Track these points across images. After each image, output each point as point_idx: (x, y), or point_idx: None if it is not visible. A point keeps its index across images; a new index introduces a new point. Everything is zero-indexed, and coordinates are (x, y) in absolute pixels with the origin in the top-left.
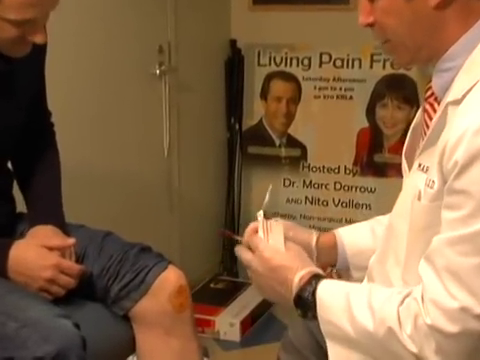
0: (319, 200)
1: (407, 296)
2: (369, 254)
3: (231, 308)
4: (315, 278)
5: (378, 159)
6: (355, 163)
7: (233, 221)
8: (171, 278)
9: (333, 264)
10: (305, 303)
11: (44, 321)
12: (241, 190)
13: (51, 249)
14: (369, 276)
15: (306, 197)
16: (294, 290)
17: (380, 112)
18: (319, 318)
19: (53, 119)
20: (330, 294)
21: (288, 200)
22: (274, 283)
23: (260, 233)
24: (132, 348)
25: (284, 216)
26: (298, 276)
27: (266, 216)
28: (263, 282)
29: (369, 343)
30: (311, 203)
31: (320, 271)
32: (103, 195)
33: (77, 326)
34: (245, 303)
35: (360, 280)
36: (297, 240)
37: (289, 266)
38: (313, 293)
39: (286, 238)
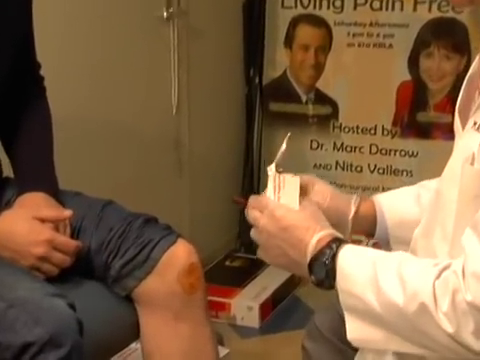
0: (352, 166)
1: (445, 269)
2: (412, 225)
3: (249, 289)
4: (336, 242)
5: (421, 118)
6: (394, 123)
7: (252, 188)
8: (180, 254)
9: (369, 235)
10: (322, 269)
11: (34, 301)
12: (261, 154)
13: (43, 221)
14: (413, 251)
15: (337, 162)
16: (310, 253)
17: (425, 63)
18: (338, 288)
19: (44, 71)
20: (353, 261)
21: (316, 165)
22: (285, 245)
23: (269, 192)
24: (135, 334)
25: None
26: (316, 238)
27: (280, 171)
28: (272, 243)
29: (397, 320)
30: (342, 169)
31: (341, 235)
32: (102, 158)
33: (72, 307)
34: (265, 284)
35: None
36: (331, 208)
37: (305, 226)
38: (333, 258)
39: (304, 195)
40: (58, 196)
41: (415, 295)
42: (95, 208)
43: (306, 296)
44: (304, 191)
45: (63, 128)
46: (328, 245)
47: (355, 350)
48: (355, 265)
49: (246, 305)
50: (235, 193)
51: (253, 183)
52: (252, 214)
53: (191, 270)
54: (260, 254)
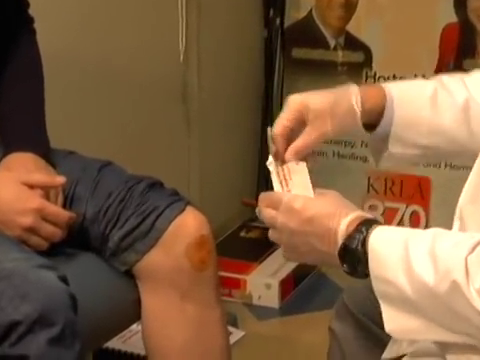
0: None
1: None
2: (420, 128)
3: (268, 264)
4: (366, 224)
5: (469, 66)
6: (437, 71)
7: None
8: (189, 224)
9: (369, 128)
10: (353, 255)
11: (21, 273)
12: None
13: (32, 187)
14: (461, 220)
15: None
16: (340, 240)
17: (473, 2)
18: (371, 274)
19: (32, 8)
20: (385, 243)
21: None
22: (312, 238)
23: (276, 188)
24: (137, 314)
25: (338, 143)
26: (344, 223)
27: (280, 161)
28: (297, 241)
29: (430, 303)
30: None
31: (370, 215)
32: (98, 112)
33: (64, 280)
34: None
35: (400, 157)
36: (336, 129)
37: (330, 213)
38: (364, 242)
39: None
40: (49, 157)
41: (447, 273)
42: (91, 170)
43: (333, 272)
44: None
45: (53, 77)
46: (357, 229)
47: None
48: (386, 247)
49: (264, 282)
50: (252, 155)
51: None
52: (266, 214)
53: (201, 243)
54: (286, 255)
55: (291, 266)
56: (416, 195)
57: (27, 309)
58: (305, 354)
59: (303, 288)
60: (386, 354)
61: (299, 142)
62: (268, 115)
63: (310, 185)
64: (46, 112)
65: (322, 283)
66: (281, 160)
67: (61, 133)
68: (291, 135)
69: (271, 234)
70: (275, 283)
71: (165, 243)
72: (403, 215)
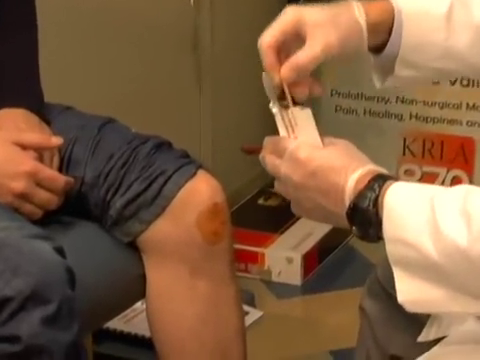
0: None
1: None
2: (430, 50)
3: (289, 236)
4: (378, 180)
5: None
6: None
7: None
8: (201, 191)
9: (373, 49)
10: (364, 216)
11: (12, 244)
12: None
13: (24, 148)
14: None
15: None
16: (348, 198)
17: None
18: (385, 237)
19: None
20: (405, 201)
21: None
22: (316, 193)
23: (281, 131)
24: (141, 291)
25: (370, 99)
26: (352, 179)
27: (286, 105)
28: (300, 195)
29: (460, 269)
30: None
31: (384, 170)
32: (99, 63)
33: (60, 252)
34: (310, 229)
35: (407, 79)
36: (341, 54)
37: (337, 166)
38: (375, 202)
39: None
40: (43, 113)
41: None
42: (90, 129)
43: (364, 245)
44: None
45: (48, 23)
46: (369, 186)
47: (428, 313)
48: (406, 205)
49: (285, 256)
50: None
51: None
52: (270, 161)
53: (215, 212)
54: (293, 209)
55: (316, 238)
56: (458, 158)
57: (19, 284)
58: (330, 337)
59: (329, 263)
60: (423, 336)
61: (300, 56)
62: None
63: (317, 133)
64: (42, 62)
65: (351, 257)
66: (277, 84)
67: (57, 86)
68: (284, 50)
69: (276, 185)
70: (297, 257)
71: (173, 212)
72: (443, 181)
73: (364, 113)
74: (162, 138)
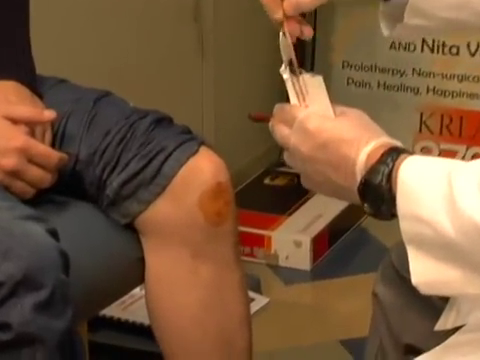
0: (445, 46)
1: None
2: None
3: (297, 217)
4: (391, 154)
5: None
6: None
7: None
8: (204, 169)
9: None
10: (377, 192)
11: (2, 225)
12: (316, 22)
13: (15, 122)
14: None
15: (424, 41)
16: (359, 173)
17: None
18: (399, 214)
19: None
20: (420, 175)
21: (393, 45)
22: (325, 167)
23: (292, 99)
24: (140, 276)
25: (384, 71)
26: (364, 152)
27: (297, 70)
28: (310, 168)
29: (477, 246)
30: (432, 51)
31: (398, 143)
32: (95, 33)
33: (54, 234)
34: (320, 210)
35: (417, 29)
36: None
37: (349, 138)
38: (389, 177)
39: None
40: (35, 85)
41: None
42: (85, 102)
43: (377, 228)
44: None
45: None
46: (382, 160)
47: (445, 299)
48: (421, 180)
49: (293, 239)
50: (279, 85)
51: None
52: (279, 131)
53: (218, 192)
54: (304, 182)
55: (326, 220)
56: (479, 134)
57: (10, 268)
58: (341, 324)
59: (340, 246)
60: (440, 324)
61: None
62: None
63: (329, 102)
64: (33, 32)
65: (363, 240)
66: (277, 20)
67: (50, 57)
68: None
69: (285, 156)
70: (306, 240)
71: (174, 191)
72: (463, 159)
73: (378, 86)
74: (162, 113)
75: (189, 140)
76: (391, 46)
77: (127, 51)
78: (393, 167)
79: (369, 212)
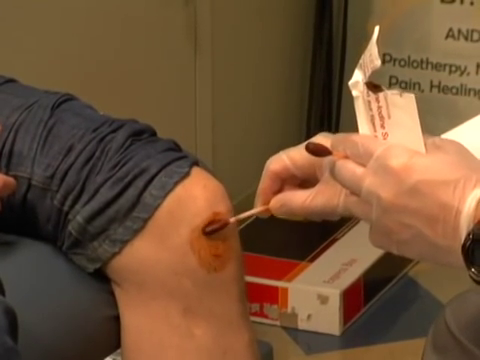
0: None
1: None
2: None
3: (322, 264)
4: None
5: None
6: None
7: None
8: (197, 197)
9: None
10: None
11: None
12: (332, 16)
13: None
14: None
15: None
16: (465, 226)
17: None
18: None
19: None
20: None
21: (451, 34)
22: (416, 219)
23: (363, 128)
24: (114, 341)
25: (439, 67)
26: (472, 198)
27: (377, 87)
28: (392, 220)
29: None
30: None
31: None
32: (61, 18)
33: None
34: (352, 254)
35: None
36: None
37: (448, 180)
38: None
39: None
40: None
41: None
42: (40, 109)
43: (429, 277)
44: None
45: None
46: None
47: None
48: None
49: (316, 293)
50: (298, 81)
51: (332, 68)
52: (346, 171)
53: (216, 227)
54: (373, 239)
55: (361, 268)
56: None
57: None
58: None
59: (379, 303)
60: None
61: (296, 201)
62: (319, 21)
63: (420, 130)
64: None
65: (410, 295)
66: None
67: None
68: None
69: (353, 204)
70: (335, 294)
71: (158, 227)
72: None
73: (430, 87)
74: (141, 123)
75: (177, 159)
76: (448, 34)
77: (101, 43)
78: None
79: (475, 277)
